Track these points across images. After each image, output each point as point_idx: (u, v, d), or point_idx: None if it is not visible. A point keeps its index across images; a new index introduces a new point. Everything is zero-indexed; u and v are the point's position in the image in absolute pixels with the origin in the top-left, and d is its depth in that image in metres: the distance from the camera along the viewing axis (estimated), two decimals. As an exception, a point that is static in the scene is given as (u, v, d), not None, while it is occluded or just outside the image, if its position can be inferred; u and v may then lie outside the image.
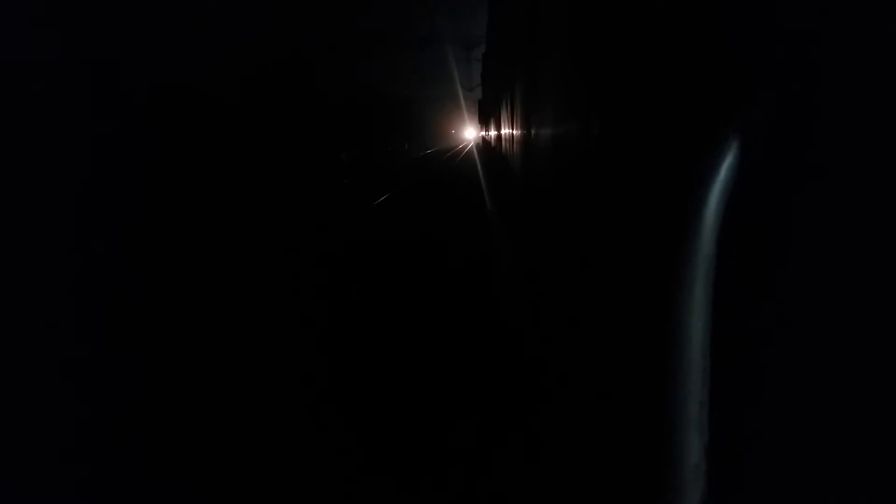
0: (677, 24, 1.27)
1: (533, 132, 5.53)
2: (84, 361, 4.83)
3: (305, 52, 25.87)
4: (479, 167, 24.54)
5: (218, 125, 16.29)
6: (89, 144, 10.45)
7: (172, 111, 13.68)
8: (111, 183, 10.69)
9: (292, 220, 12.27)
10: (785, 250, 1.00)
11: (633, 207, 1.63)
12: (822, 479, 0.99)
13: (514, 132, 8.97)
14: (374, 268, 7.51)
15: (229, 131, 17.20)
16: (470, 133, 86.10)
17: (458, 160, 34.86)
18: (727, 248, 1.12)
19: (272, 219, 12.37)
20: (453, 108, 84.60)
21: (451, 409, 3.58)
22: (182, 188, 13.13)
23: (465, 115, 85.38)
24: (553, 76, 3.52)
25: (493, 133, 20.87)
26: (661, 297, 1.29)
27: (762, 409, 1.08)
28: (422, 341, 4.66)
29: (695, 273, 1.16)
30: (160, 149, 12.89)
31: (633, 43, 1.60)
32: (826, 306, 0.94)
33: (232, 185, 15.92)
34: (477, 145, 49.52)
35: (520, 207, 6.59)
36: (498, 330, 4.78)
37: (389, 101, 44.13)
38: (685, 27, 1.23)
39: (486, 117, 29.70)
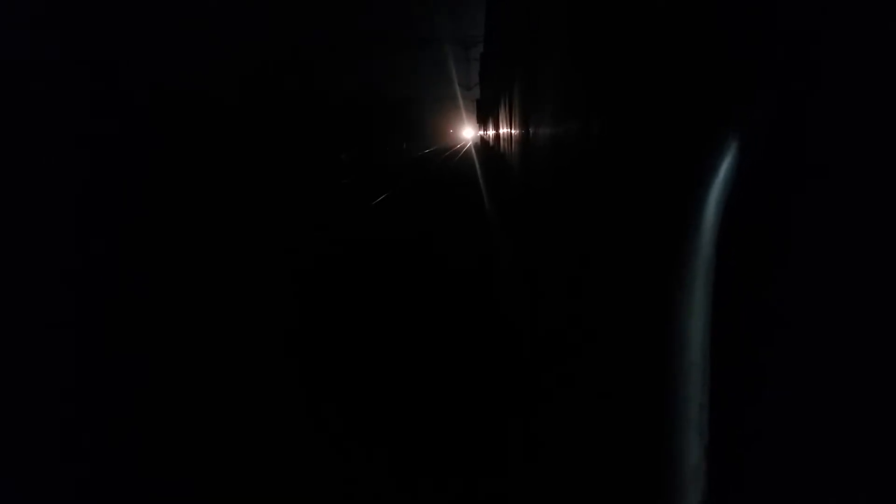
0: (677, 23, 1.27)
1: (532, 132, 5.53)
2: (84, 361, 4.82)
3: (305, 52, 25.87)
4: (478, 167, 24.53)
5: (218, 125, 16.29)
6: (89, 144, 10.44)
7: (172, 111, 13.68)
8: (111, 183, 10.69)
9: (292, 219, 12.26)
10: (785, 251, 1.00)
11: (632, 207, 1.63)
12: (822, 479, 0.99)
13: (513, 132, 8.97)
14: (373, 268, 7.50)
15: (229, 131, 17.19)
16: (468, 132, 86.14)
17: (456, 159, 34.87)
18: (727, 249, 1.12)
19: (272, 219, 12.36)
20: (452, 107, 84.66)
21: (451, 409, 3.58)
22: (182, 188, 13.12)
23: (464, 114, 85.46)
24: (552, 75, 3.52)
25: (491, 132, 20.86)
26: (660, 298, 1.29)
27: (762, 410, 1.08)
28: (422, 342, 4.66)
29: (694, 273, 1.16)
30: (160, 149, 12.89)
31: (632, 42, 1.61)
32: (826, 307, 0.94)
33: (232, 185, 15.92)
34: (475, 145, 49.53)
35: (519, 207, 6.59)
36: (497, 329, 4.78)
37: (388, 101, 44.14)
38: (685, 27, 1.23)
39: (484, 117, 29.69)
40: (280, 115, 22.37)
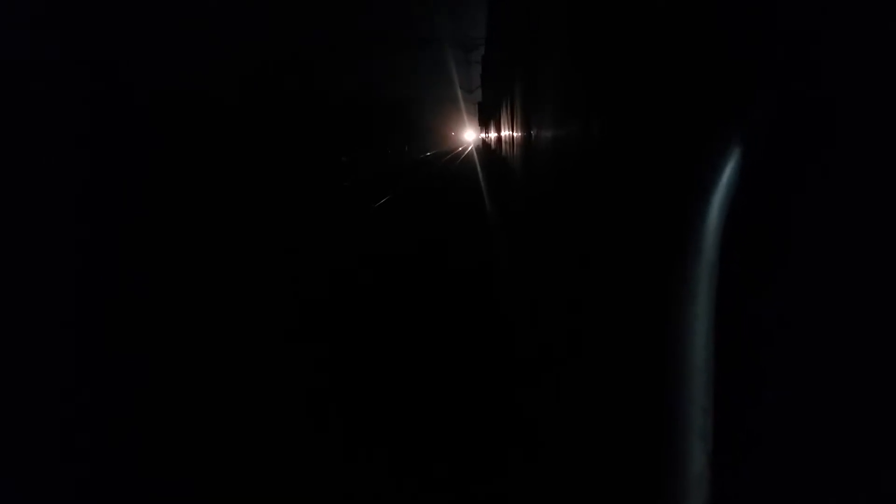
0: (677, 24, 1.27)
1: (533, 134, 5.53)
2: (84, 361, 4.82)
3: (305, 52, 25.86)
4: (479, 170, 24.53)
5: (218, 125, 16.28)
6: (89, 144, 10.44)
7: (172, 111, 13.68)
8: (111, 183, 10.68)
9: (292, 220, 12.27)
10: (788, 252, 1.00)
11: (633, 210, 1.63)
12: (827, 487, 0.99)
13: (514, 134, 8.97)
14: (373, 268, 7.50)
15: (229, 131, 17.19)
16: (469, 135, 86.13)
17: (457, 163, 34.84)
18: (729, 251, 1.11)
19: (273, 220, 12.37)
20: (453, 110, 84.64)
21: (453, 416, 3.58)
22: (182, 189, 13.12)
23: (465, 117, 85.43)
24: (552, 76, 3.52)
25: (493, 135, 20.87)
26: (663, 301, 1.29)
27: (766, 415, 1.07)
28: (422, 344, 4.66)
29: (697, 276, 1.16)
30: (160, 149, 12.89)
31: (632, 43, 1.61)
32: (832, 310, 0.94)
33: (233, 185, 15.91)
34: (477, 148, 49.50)
35: (520, 211, 6.58)
36: (499, 334, 4.78)
37: (388, 103, 44.11)
38: (685, 27, 1.24)
39: (486, 120, 29.69)
40: (280, 116, 22.36)
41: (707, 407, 1.19)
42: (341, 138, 31.18)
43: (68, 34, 10.32)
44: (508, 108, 10.49)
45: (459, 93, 76.76)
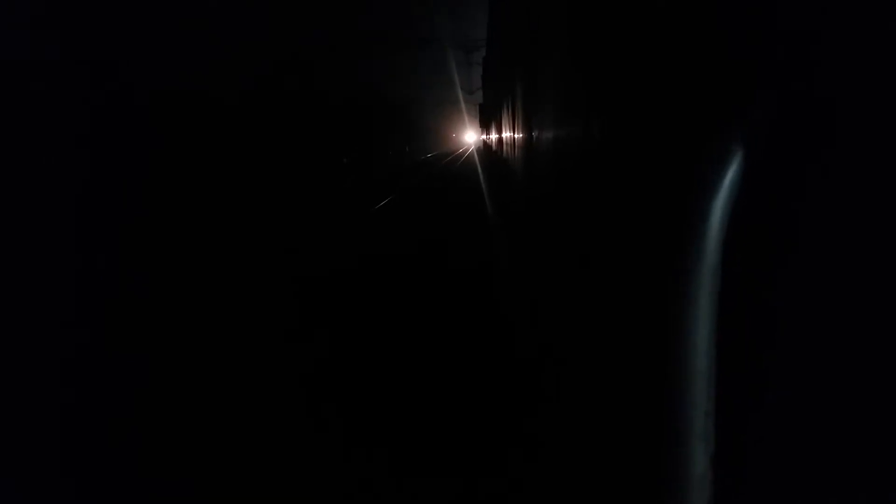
0: (677, 24, 1.27)
1: (534, 135, 5.53)
2: (84, 361, 4.82)
3: (305, 52, 25.85)
4: (480, 171, 24.54)
5: (218, 125, 16.29)
6: (89, 144, 10.44)
7: (172, 111, 13.68)
8: (111, 183, 10.69)
9: (293, 220, 12.27)
10: (789, 253, 0.99)
11: (633, 211, 1.63)
12: (830, 489, 0.99)
13: (515, 135, 8.97)
14: (373, 268, 7.50)
15: (230, 131, 17.19)
16: (470, 136, 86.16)
17: (458, 164, 34.84)
18: (731, 252, 1.11)
19: (273, 220, 12.37)
20: (453, 111, 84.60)
21: (454, 416, 3.58)
22: (183, 189, 13.12)
23: (466, 118, 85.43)
24: (554, 78, 3.52)
25: (493, 136, 20.89)
26: (664, 303, 1.28)
27: (768, 418, 1.07)
28: (423, 347, 4.66)
29: (699, 278, 1.16)
30: (160, 149, 12.89)
31: (633, 44, 1.61)
32: (834, 312, 0.94)
33: (234, 185, 15.92)
34: (478, 149, 49.53)
35: (521, 212, 6.58)
36: (499, 335, 4.78)
37: (389, 103, 44.11)
38: (685, 27, 1.24)
39: (486, 121, 29.73)
40: (281, 116, 22.36)
41: (709, 409, 1.19)
42: (342, 139, 31.17)
43: (68, 34, 10.33)
44: (509, 109, 10.50)
45: (460, 94, 76.72)
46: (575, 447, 2.52)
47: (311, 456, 3.21)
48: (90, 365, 4.75)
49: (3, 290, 6.46)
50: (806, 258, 0.97)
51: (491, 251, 8.08)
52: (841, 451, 0.96)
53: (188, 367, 4.50)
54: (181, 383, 4.23)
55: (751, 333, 1.09)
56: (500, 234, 9.13)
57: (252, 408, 3.76)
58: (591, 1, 2.11)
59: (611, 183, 1.89)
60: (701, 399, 1.20)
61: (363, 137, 35.25)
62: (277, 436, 3.42)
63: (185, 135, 14.16)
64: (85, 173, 10.00)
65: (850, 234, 0.89)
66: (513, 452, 3.10)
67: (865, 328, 0.89)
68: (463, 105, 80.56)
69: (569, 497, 2.57)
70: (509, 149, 11.41)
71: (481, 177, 21.96)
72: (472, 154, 47.31)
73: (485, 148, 33.32)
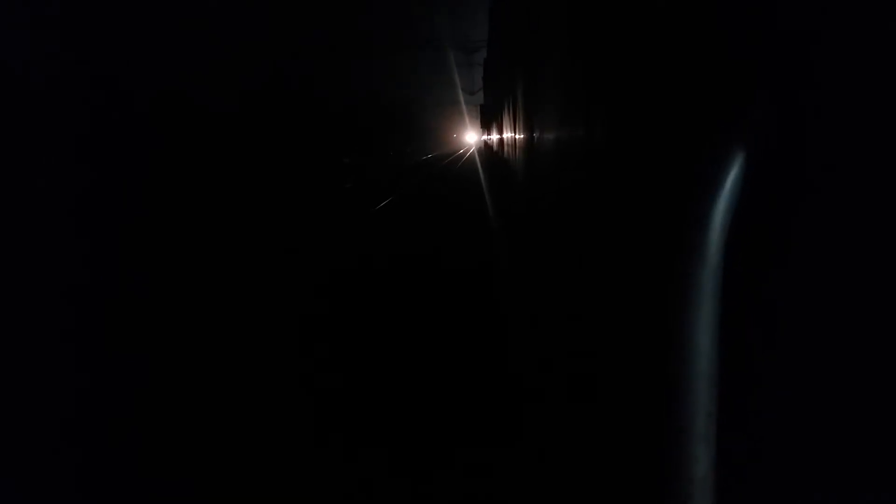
0: (677, 24, 1.27)
1: (535, 136, 5.53)
2: (84, 361, 4.82)
3: (306, 52, 25.87)
4: (481, 172, 24.54)
5: (218, 125, 16.30)
6: (89, 144, 10.45)
7: (172, 111, 13.68)
8: (111, 183, 10.69)
9: (293, 221, 12.28)
10: (791, 254, 0.99)
11: (635, 212, 1.63)
12: (832, 491, 0.98)
13: (516, 136, 8.98)
14: (372, 268, 7.51)
15: (230, 131, 17.20)
16: (471, 137, 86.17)
17: (459, 165, 34.83)
18: (733, 252, 1.11)
19: (274, 220, 12.38)
20: (454, 112, 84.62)
21: (454, 417, 3.57)
22: (183, 189, 13.12)
23: (467, 119, 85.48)
24: (554, 79, 3.52)
25: (494, 137, 20.90)
26: (667, 304, 1.28)
27: (770, 420, 1.07)
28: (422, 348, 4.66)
29: (701, 279, 1.15)
30: (160, 148, 12.90)
31: (633, 44, 1.60)
32: (836, 313, 0.93)
33: (234, 185, 15.93)
34: (479, 150, 49.54)
35: (522, 215, 6.58)
36: (499, 336, 4.77)
37: (390, 105, 44.14)
38: (685, 27, 1.23)
39: (487, 122, 29.75)
40: (282, 117, 22.37)
41: (711, 411, 1.19)
42: (343, 140, 31.20)
43: (68, 34, 10.33)
44: (510, 109, 10.50)
45: (461, 95, 76.80)
46: (577, 448, 2.52)
47: (311, 455, 3.20)
48: (90, 365, 4.75)
49: (3, 290, 6.46)
50: (807, 258, 0.96)
51: (491, 251, 8.07)
52: (842, 452, 0.95)
53: (188, 367, 4.50)
54: (181, 383, 4.23)
55: (752, 334, 1.09)
56: (501, 234, 9.12)
57: (251, 407, 3.76)
58: (592, 1, 2.11)
59: (611, 183, 1.89)
60: (703, 400, 1.20)
61: (364, 138, 35.26)
62: (276, 435, 3.41)
63: (186, 134, 14.17)
64: (85, 173, 10.00)
65: (851, 233, 0.89)
66: (513, 453, 3.10)
67: (867, 328, 0.89)
68: (464, 106, 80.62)
69: (571, 498, 2.56)
70: (510, 149, 11.41)
71: (482, 177, 21.96)
72: (472, 155, 47.30)
73: (486, 149, 33.33)
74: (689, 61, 1.21)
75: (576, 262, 2.67)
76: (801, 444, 1.02)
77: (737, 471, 1.17)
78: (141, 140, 12.10)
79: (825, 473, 0.99)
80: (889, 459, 0.89)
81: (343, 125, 30.93)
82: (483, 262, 7.33)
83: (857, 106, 0.84)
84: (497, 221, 10.48)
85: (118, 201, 10.52)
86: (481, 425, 3.38)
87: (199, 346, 4.97)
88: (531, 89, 5.70)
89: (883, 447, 0.89)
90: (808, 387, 0.99)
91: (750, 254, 1.08)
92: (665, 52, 1.35)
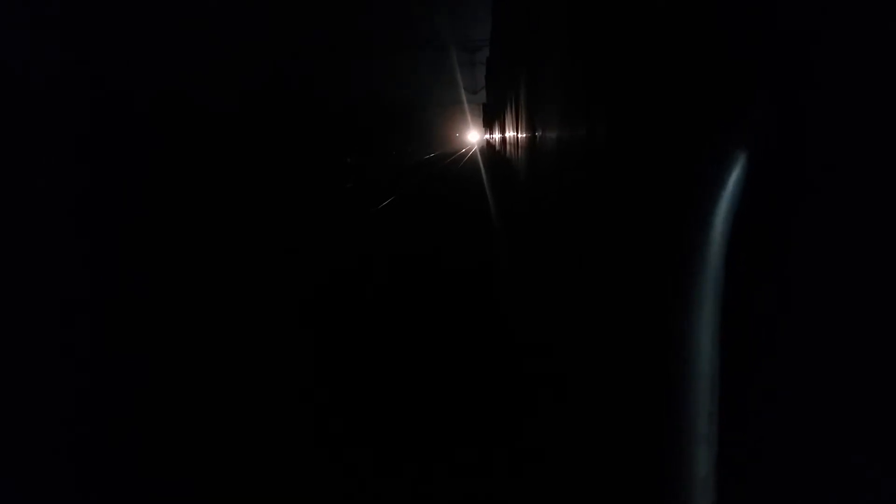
0: (677, 24, 1.27)
1: (537, 135, 5.53)
2: (84, 361, 4.83)
3: (307, 52, 25.88)
4: (483, 172, 24.54)
5: (218, 125, 16.31)
6: (89, 144, 10.46)
7: (172, 111, 13.69)
8: (111, 183, 10.70)
9: (294, 221, 12.29)
10: (793, 255, 0.99)
11: (636, 212, 1.62)
12: (832, 492, 0.98)
13: (518, 135, 8.98)
14: (372, 268, 7.51)
15: (230, 131, 17.21)
16: (473, 136, 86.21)
17: (460, 164, 34.83)
18: (734, 253, 1.11)
19: (274, 221, 12.39)
20: (457, 111, 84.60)
21: (454, 417, 3.57)
22: (183, 189, 13.13)
23: (469, 118, 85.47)
24: (556, 79, 3.52)
25: (496, 137, 20.90)
26: (668, 305, 1.28)
27: (772, 421, 1.07)
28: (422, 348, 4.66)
29: (702, 279, 1.15)
30: (160, 148, 12.91)
31: (633, 44, 1.60)
32: (838, 314, 0.93)
33: (234, 185, 15.94)
34: (481, 149, 49.55)
35: (524, 214, 6.58)
36: (499, 336, 4.77)
37: (392, 105, 44.16)
38: (685, 28, 1.23)
39: (490, 121, 29.77)
40: (283, 117, 22.38)
41: (713, 412, 1.19)
42: (344, 139, 31.21)
43: (68, 34, 10.34)
44: (512, 109, 10.50)
45: (463, 94, 76.75)
46: (579, 449, 2.52)
47: (311, 454, 3.20)
48: (90, 365, 4.75)
49: (3, 289, 6.47)
50: (808, 258, 0.96)
51: (491, 251, 8.07)
52: (844, 454, 0.95)
53: (187, 367, 4.50)
54: (181, 383, 4.23)
55: (754, 335, 1.09)
56: (501, 233, 9.12)
57: (250, 406, 3.76)
58: (592, 1, 2.10)
59: (612, 183, 1.89)
60: (704, 400, 1.20)
61: (364, 138, 35.28)
62: (276, 434, 3.42)
63: (186, 134, 14.18)
64: (85, 173, 10.01)
65: (852, 233, 0.89)
66: (513, 454, 3.10)
67: (868, 327, 0.89)
68: (466, 105, 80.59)
69: (571, 498, 2.56)
70: (511, 149, 11.42)
71: (484, 176, 21.96)
72: (474, 154, 47.31)
73: (488, 148, 33.34)
74: (689, 61, 1.21)
75: (576, 262, 2.66)
76: (802, 445, 1.02)
77: (738, 471, 1.17)
78: (141, 140, 12.10)
79: (826, 474, 0.99)
80: (890, 460, 0.88)
81: (343, 125, 30.93)
82: (483, 263, 7.32)
83: (857, 106, 0.84)
84: (498, 222, 10.48)
85: (118, 201, 10.53)
86: (481, 425, 3.38)
87: (198, 346, 4.97)
88: (532, 89, 5.70)
89: (883, 448, 0.89)
90: (809, 387, 0.99)
91: (750, 254, 1.07)
92: (665, 52, 1.35)
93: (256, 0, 20.27)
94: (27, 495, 3.17)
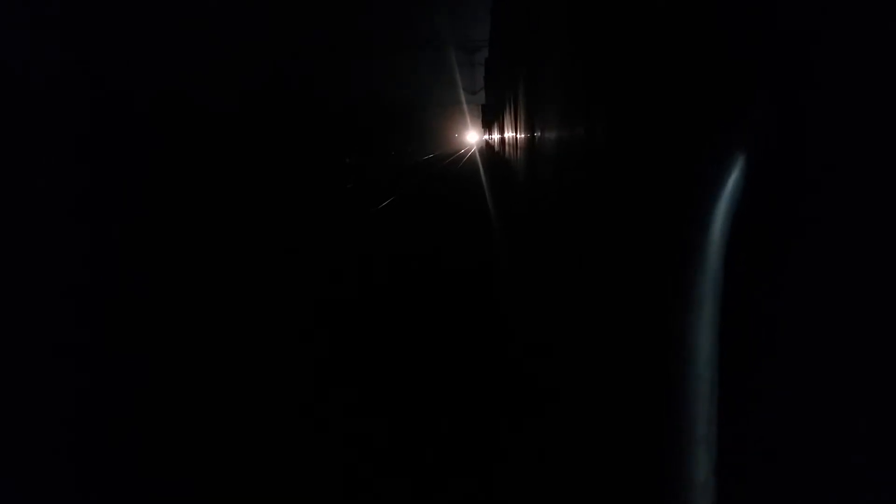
0: (677, 24, 1.27)
1: (536, 136, 5.53)
2: (84, 361, 4.83)
3: (307, 52, 25.88)
4: (482, 172, 24.54)
5: (218, 124, 16.30)
6: (89, 144, 10.46)
7: (173, 111, 13.69)
8: (111, 183, 10.70)
9: (294, 221, 12.29)
10: (793, 256, 0.99)
11: (635, 212, 1.62)
12: (833, 493, 0.98)
13: (518, 136, 8.98)
14: (372, 268, 7.51)
15: (230, 131, 17.21)
16: (472, 137, 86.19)
17: (460, 165, 34.84)
18: (733, 254, 1.10)
19: (274, 221, 12.39)
20: (456, 112, 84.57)
21: (454, 418, 3.57)
22: (182, 189, 13.13)
23: (468, 119, 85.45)
24: (555, 79, 3.52)
25: (496, 137, 20.92)
26: (667, 307, 1.28)
27: (771, 424, 1.06)
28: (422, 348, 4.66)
29: (701, 281, 1.15)
30: (160, 148, 12.91)
31: (633, 44, 1.60)
32: (839, 316, 0.93)
33: (234, 185, 15.94)
34: (480, 149, 49.58)
35: (523, 215, 6.58)
36: (499, 336, 4.77)
37: (391, 105, 44.17)
38: (685, 28, 1.23)
39: (489, 121, 29.78)
40: (283, 117, 22.38)
41: (712, 417, 1.18)
42: (343, 140, 31.21)
43: (68, 34, 10.34)
44: (511, 109, 10.50)
45: (462, 95, 76.76)
46: (577, 452, 2.52)
47: (310, 453, 3.20)
48: (90, 365, 4.75)
49: (3, 289, 6.47)
50: (808, 258, 0.96)
51: (491, 251, 8.07)
52: (843, 454, 0.95)
53: (187, 367, 4.50)
54: (180, 383, 4.23)
55: (753, 337, 1.09)
56: (501, 234, 9.12)
57: (250, 406, 3.76)
58: (592, 2, 2.10)
59: (612, 184, 1.89)
60: (703, 402, 1.19)
61: (364, 138, 35.28)
62: (276, 434, 3.41)
63: (186, 134, 14.17)
64: (86, 173, 10.01)
65: (852, 234, 0.89)
66: (513, 454, 3.10)
67: (868, 328, 0.88)
68: (465, 106, 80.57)
69: (571, 501, 2.56)
70: (511, 149, 11.42)
71: (483, 177, 21.96)
72: (474, 155, 47.31)
73: (487, 148, 33.36)
74: (689, 61, 1.21)
75: (575, 263, 2.66)
76: (802, 445, 1.01)
77: (737, 472, 1.17)
78: (141, 140, 12.10)
79: (827, 476, 0.98)
80: (890, 460, 0.88)
81: (343, 125, 30.94)
82: (483, 263, 7.32)
83: (857, 106, 0.84)
84: (498, 222, 10.48)
85: (118, 201, 10.53)
86: (481, 425, 3.38)
87: (198, 346, 4.97)
88: (532, 89, 5.70)
89: (884, 448, 0.89)
90: (809, 387, 0.98)
91: (750, 254, 1.07)
92: (665, 53, 1.35)
93: (256, 0, 20.27)
94: (27, 495, 3.17)
